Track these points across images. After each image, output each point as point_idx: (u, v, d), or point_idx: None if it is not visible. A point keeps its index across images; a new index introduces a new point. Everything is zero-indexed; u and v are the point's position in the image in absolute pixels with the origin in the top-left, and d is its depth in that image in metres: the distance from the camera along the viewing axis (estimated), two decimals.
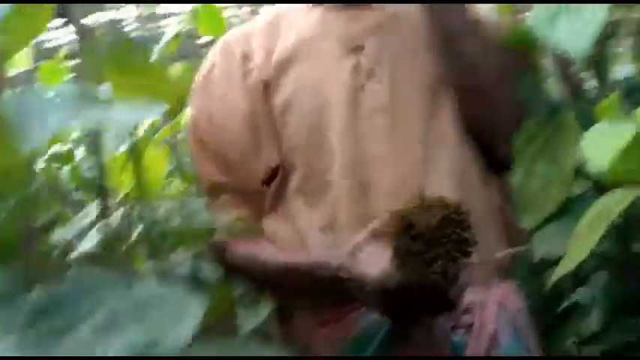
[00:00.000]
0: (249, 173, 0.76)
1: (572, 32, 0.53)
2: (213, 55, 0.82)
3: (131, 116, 0.36)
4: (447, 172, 0.71)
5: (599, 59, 0.93)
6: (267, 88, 0.76)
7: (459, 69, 0.73)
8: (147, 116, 0.61)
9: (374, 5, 0.77)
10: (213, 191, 0.80)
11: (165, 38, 1.41)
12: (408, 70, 0.74)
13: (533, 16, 0.58)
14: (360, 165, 0.71)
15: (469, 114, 0.72)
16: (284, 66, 0.75)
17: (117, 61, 0.52)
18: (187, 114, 0.89)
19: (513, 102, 0.73)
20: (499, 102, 0.73)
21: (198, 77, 0.82)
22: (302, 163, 0.74)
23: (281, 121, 0.75)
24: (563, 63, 0.82)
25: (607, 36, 0.96)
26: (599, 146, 0.52)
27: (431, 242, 0.56)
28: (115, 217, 0.91)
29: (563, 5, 0.55)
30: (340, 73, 0.74)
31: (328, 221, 0.71)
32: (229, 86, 0.78)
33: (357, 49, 0.74)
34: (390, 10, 0.77)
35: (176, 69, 1.26)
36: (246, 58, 0.78)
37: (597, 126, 0.56)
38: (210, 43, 1.13)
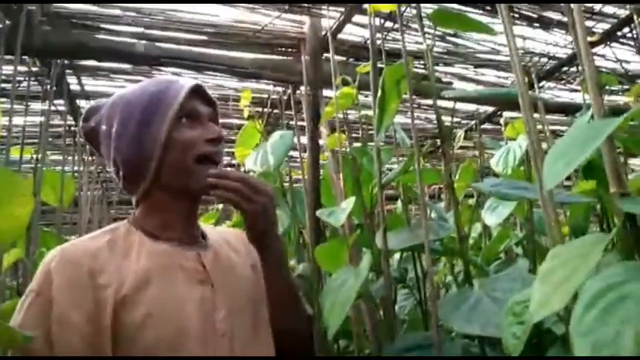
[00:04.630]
0: None
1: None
2: (51, 270, 0.80)
3: None
4: None
5: None
6: (123, 303, 0.78)
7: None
8: None
9: (210, 243, 0.93)
10: None
11: None
12: (238, 299, 0.89)
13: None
14: None
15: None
16: (141, 284, 0.80)
17: None
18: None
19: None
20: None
21: (32, 292, 0.80)
22: None
23: (135, 335, 0.78)
24: None
25: None
26: None
27: None
28: None
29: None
30: (192, 301, 0.83)
31: None
32: (72, 304, 0.77)
33: (204, 281, 0.86)
34: (220, 250, 0.93)
35: None
36: (93, 274, 0.80)
37: None
38: None
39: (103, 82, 2.01)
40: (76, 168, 2.43)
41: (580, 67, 2.04)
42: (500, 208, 1.59)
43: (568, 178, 1.77)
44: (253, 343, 0.87)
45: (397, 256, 1.76)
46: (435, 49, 1.75)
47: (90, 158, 2.63)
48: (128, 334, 0.77)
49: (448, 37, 1.84)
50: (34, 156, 2.00)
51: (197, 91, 0.91)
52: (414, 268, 1.28)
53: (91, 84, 2.03)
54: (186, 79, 0.93)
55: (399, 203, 1.75)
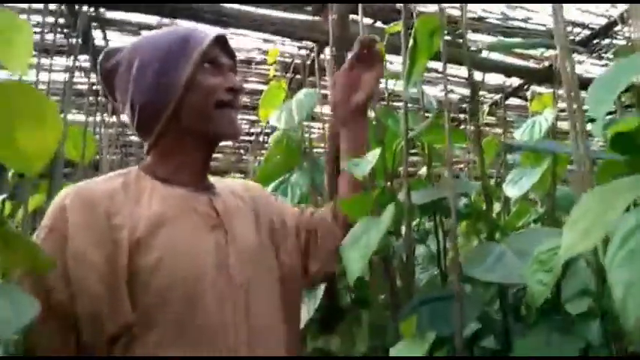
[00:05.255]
0: (98, 331, 0.75)
1: None
2: (66, 207, 0.79)
3: None
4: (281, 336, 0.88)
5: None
6: (137, 246, 0.77)
7: None
8: None
9: (218, 191, 0.93)
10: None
11: None
12: (248, 246, 0.89)
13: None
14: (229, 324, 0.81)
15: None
16: (154, 228, 0.79)
17: None
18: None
19: None
20: None
21: (45, 228, 0.79)
22: (168, 318, 0.77)
23: (148, 278, 0.77)
24: None
25: None
26: None
27: None
28: None
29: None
30: (206, 246, 0.83)
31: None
32: (89, 242, 0.77)
33: (217, 226, 0.86)
34: (228, 198, 0.93)
35: None
36: (110, 214, 0.79)
37: None
38: None
39: (128, 37, 2.00)
40: (97, 130, 2.45)
41: (625, 33, 1.97)
42: (523, 180, 1.55)
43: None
44: (264, 290, 0.88)
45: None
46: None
47: (111, 120, 2.64)
48: (143, 277, 0.76)
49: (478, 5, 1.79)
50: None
51: (220, 41, 0.93)
52: (436, 236, 1.26)
53: (116, 40, 2.03)
54: (212, 29, 0.95)
55: (423, 170, 1.73)
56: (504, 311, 0.97)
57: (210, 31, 0.92)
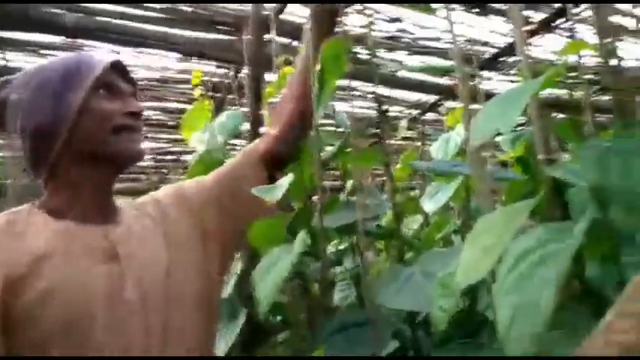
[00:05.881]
0: None
1: None
2: None
3: None
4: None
5: None
6: (15, 283, 0.76)
7: None
8: None
9: (121, 219, 0.90)
10: None
11: None
12: (152, 273, 0.87)
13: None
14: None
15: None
16: (38, 263, 0.77)
17: None
18: None
19: None
20: None
21: None
22: (61, 351, 0.75)
23: (38, 311, 0.75)
24: None
25: None
26: None
27: None
28: None
29: None
30: (96, 279, 0.81)
31: None
32: None
33: (111, 258, 0.84)
34: (134, 223, 0.91)
35: None
36: None
37: None
38: None
39: (31, 58, 1.89)
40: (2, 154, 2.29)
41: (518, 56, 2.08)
42: (439, 194, 1.60)
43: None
44: (174, 313, 0.86)
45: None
46: (378, 33, 1.76)
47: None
48: (29, 312, 0.75)
49: (391, 23, 1.84)
50: None
51: (117, 67, 0.91)
52: (352, 257, 1.26)
53: (17, 60, 1.91)
54: (108, 55, 0.95)
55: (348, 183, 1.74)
56: (413, 328, 0.98)
57: (105, 57, 0.91)
